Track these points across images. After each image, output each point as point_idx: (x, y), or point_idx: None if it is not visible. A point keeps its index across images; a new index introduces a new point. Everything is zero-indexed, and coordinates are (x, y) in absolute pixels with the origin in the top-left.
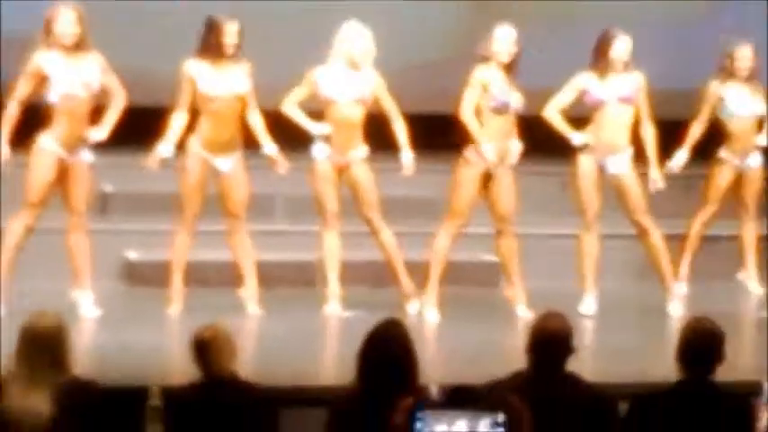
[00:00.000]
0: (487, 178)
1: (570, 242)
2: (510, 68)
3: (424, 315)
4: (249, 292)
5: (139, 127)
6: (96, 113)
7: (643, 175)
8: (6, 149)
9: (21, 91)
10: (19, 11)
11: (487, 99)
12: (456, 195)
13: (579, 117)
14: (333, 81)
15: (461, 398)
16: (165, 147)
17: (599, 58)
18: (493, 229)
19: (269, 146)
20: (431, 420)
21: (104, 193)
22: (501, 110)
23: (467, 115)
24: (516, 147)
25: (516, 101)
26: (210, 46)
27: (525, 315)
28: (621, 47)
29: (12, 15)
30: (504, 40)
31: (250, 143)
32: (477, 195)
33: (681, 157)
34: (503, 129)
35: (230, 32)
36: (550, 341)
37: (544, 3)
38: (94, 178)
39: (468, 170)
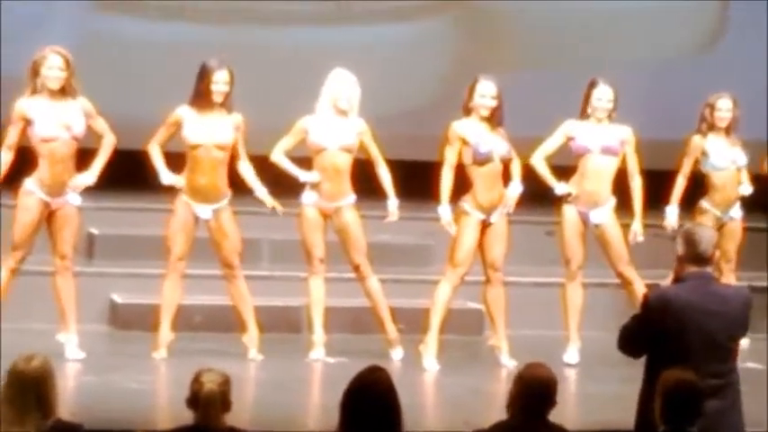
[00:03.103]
0: (485, 226)
1: (554, 291)
2: (491, 119)
3: (423, 363)
4: (250, 337)
5: (126, 170)
6: (87, 158)
7: (627, 226)
8: None
9: (10, 137)
10: (19, 54)
11: (468, 152)
12: (456, 245)
13: (566, 166)
14: (321, 129)
15: None
16: (165, 176)
17: (585, 105)
18: (480, 277)
19: (260, 189)
20: None
21: (91, 236)
22: (484, 161)
23: (444, 172)
24: (514, 191)
25: (500, 149)
26: (200, 93)
27: (509, 364)
28: (602, 94)
29: (12, 59)
30: (483, 94)
31: (236, 189)
32: (477, 244)
33: (672, 212)
34: (489, 179)
35: (219, 80)
36: (535, 392)
37: (533, 50)
38: (81, 221)
39: (465, 219)
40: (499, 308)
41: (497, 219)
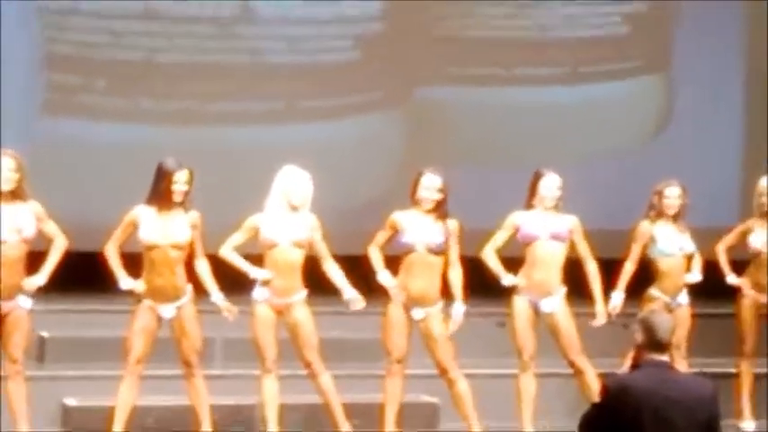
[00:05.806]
0: (412, 319)
1: (509, 382)
2: (436, 211)
3: None
4: None
5: (75, 272)
6: (37, 261)
7: (578, 315)
8: None
9: None
10: None
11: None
12: (385, 334)
13: (519, 257)
14: (273, 225)
15: None
16: (124, 281)
17: (531, 196)
18: (434, 370)
19: (216, 294)
20: None
21: (41, 339)
22: (407, 250)
23: (372, 251)
24: (457, 277)
25: (430, 240)
26: (159, 193)
27: None
28: (551, 183)
29: None
30: (427, 187)
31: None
32: (406, 331)
33: (617, 298)
34: (414, 269)
35: (180, 180)
36: None
37: (480, 144)
38: (32, 324)
39: (392, 307)
40: (461, 406)
41: (425, 315)
